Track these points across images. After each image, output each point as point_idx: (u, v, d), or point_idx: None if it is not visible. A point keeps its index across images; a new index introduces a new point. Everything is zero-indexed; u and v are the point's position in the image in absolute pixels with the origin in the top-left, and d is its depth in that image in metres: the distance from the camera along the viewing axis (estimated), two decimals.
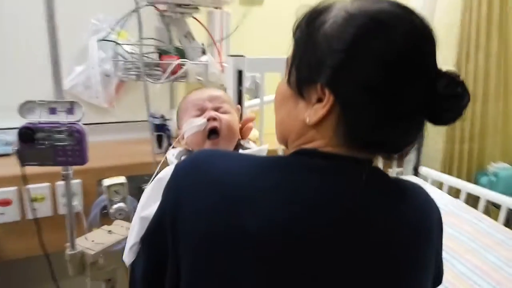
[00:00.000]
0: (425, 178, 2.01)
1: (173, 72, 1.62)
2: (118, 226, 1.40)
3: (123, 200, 1.48)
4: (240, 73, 1.45)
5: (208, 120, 0.87)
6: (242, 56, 1.45)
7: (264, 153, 0.89)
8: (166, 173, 0.73)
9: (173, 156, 0.88)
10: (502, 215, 1.61)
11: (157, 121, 1.75)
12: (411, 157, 2.01)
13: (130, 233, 0.74)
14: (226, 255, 0.53)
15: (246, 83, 2.00)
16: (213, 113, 0.88)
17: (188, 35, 1.77)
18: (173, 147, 0.91)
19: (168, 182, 0.61)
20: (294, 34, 0.62)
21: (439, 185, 1.92)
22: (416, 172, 2.06)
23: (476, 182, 2.05)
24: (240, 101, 1.48)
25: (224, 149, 0.86)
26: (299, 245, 0.54)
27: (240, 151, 0.89)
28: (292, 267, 0.53)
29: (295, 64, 0.61)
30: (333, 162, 0.59)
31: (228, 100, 0.93)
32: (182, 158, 0.86)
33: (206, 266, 0.54)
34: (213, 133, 0.87)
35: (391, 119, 0.57)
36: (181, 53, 1.74)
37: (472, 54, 2.02)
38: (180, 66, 1.64)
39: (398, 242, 0.60)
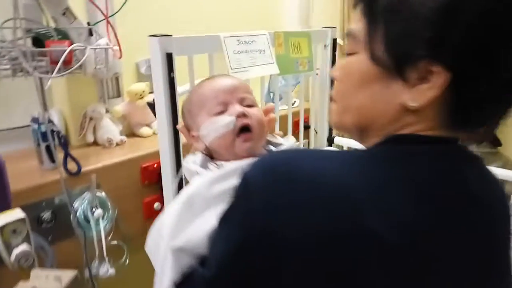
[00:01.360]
0: None
1: (66, 62, 1.24)
2: (41, 279, 1.03)
3: (26, 239, 1.12)
4: (170, 57, 1.19)
5: (237, 117, 0.71)
6: (169, 35, 1.19)
7: (294, 146, 0.78)
8: (197, 188, 0.61)
9: (196, 164, 0.71)
10: None
11: (43, 128, 1.34)
12: None
13: (159, 275, 0.58)
14: (355, 263, 0.44)
15: (141, 68, 1.71)
16: (242, 109, 0.72)
17: (68, 12, 1.38)
18: (191, 153, 0.76)
19: (241, 204, 0.49)
20: None
21: None
22: None
23: None
24: (173, 90, 1.23)
25: (278, 149, 0.73)
26: (434, 243, 0.47)
27: (271, 147, 0.73)
28: (427, 266, 0.46)
29: (384, 36, 0.51)
30: (444, 147, 0.53)
31: (249, 89, 0.76)
32: (211, 165, 0.70)
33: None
34: (244, 131, 0.71)
35: (500, 91, 0.52)
36: (65, 36, 1.35)
37: None
38: (71, 53, 1.27)
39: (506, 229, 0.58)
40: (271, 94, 1.78)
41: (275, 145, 0.78)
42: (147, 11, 1.71)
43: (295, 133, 1.79)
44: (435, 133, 0.53)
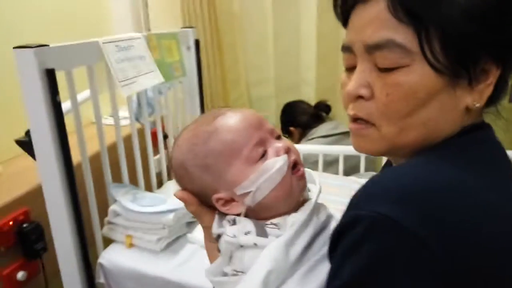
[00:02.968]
0: None
1: None
2: None
3: None
4: (51, 74, 0.86)
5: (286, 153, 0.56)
6: (45, 45, 0.86)
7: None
8: (275, 263, 0.49)
9: (251, 235, 0.53)
10: None
11: None
12: None
13: None
14: None
15: None
16: (282, 143, 0.57)
17: None
18: (232, 221, 0.55)
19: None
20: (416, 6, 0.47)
21: None
22: None
23: None
24: (60, 118, 0.90)
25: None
26: None
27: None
28: None
29: (442, 42, 0.47)
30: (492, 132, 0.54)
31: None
32: (269, 229, 0.53)
33: None
34: (293, 168, 0.56)
35: None
36: None
37: None
38: None
39: None
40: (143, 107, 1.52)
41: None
42: None
43: (154, 144, 1.56)
44: (478, 120, 0.53)
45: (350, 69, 0.53)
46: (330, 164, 1.83)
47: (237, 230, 0.53)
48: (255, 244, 0.51)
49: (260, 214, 0.55)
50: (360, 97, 0.51)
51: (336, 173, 1.73)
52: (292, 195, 0.55)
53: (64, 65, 0.92)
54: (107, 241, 1.19)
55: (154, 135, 1.55)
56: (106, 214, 1.18)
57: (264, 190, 0.53)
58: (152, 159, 1.47)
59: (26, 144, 0.92)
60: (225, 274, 0.55)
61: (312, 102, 2.14)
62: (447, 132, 0.51)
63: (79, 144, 1.05)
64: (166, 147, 1.67)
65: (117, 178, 1.25)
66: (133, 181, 1.33)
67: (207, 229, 0.60)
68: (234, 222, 0.55)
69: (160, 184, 1.54)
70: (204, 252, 1.21)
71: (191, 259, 1.11)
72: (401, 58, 0.47)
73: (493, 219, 0.45)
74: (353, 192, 0.48)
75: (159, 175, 1.60)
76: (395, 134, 0.51)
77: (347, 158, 1.73)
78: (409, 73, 0.48)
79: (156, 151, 1.55)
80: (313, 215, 0.55)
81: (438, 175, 0.45)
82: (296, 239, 0.51)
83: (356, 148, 0.55)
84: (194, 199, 0.59)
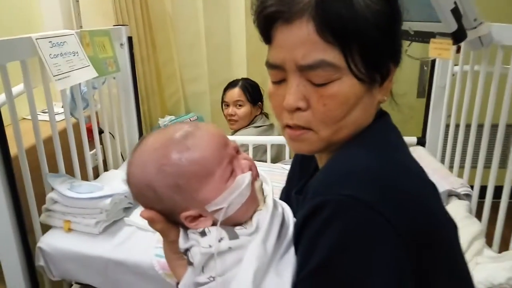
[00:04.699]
0: None
1: None
2: None
3: None
4: None
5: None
6: None
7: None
8: (258, 261, 0.52)
9: (225, 240, 0.55)
10: None
11: None
12: None
13: None
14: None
15: None
16: (247, 161, 0.61)
17: None
18: (201, 233, 0.56)
19: (375, 244, 0.47)
20: (335, 19, 0.53)
21: None
22: None
23: None
24: None
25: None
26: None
27: None
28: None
29: (362, 57, 0.55)
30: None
31: None
32: (239, 231, 0.56)
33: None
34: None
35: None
36: None
37: None
38: None
39: None
40: (74, 101, 1.56)
41: None
42: None
43: (90, 140, 1.60)
44: None
45: (279, 82, 0.58)
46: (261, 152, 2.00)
47: (210, 240, 0.54)
48: (230, 248, 0.54)
49: (227, 223, 0.57)
50: (298, 108, 0.56)
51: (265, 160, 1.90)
52: (256, 203, 0.59)
53: (11, 58, 0.97)
54: (45, 229, 1.24)
55: (89, 131, 1.60)
56: (43, 203, 1.23)
57: (235, 205, 0.56)
58: (89, 153, 1.52)
59: None
60: (199, 284, 0.55)
61: None
62: (366, 123, 0.60)
63: (15, 136, 1.09)
64: (101, 142, 1.73)
65: (54, 171, 1.30)
66: (70, 174, 1.38)
67: (172, 244, 0.60)
68: (204, 233, 0.56)
69: (96, 176, 1.60)
70: (142, 233, 1.31)
71: (129, 239, 1.20)
72: (332, 74, 0.54)
73: (426, 188, 0.54)
74: (282, 177, 0.56)
75: (95, 168, 1.65)
76: (331, 135, 0.58)
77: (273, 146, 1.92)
78: (340, 85, 0.55)
79: (92, 146, 1.60)
80: (275, 209, 0.59)
81: (381, 158, 0.54)
82: (268, 234, 0.55)
83: (296, 151, 0.62)
84: (161, 217, 0.59)
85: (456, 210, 1.33)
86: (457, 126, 1.59)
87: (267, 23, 0.56)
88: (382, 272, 0.46)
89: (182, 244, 0.57)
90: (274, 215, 0.58)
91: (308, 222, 0.50)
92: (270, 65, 0.58)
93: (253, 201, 0.59)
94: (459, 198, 1.41)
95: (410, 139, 1.86)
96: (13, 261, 1.08)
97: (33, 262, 1.13)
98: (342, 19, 0.52)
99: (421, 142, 1.86)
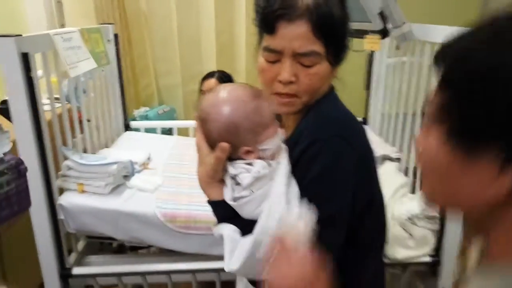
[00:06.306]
0: None
1: None
2: None
3: None
4: (26, 57, 1.17)
5: None
6: (19, 35, 1.17)
7: None
8: (286, 168, 0.79)
9: (262, 168, 0.77)
10: None
11: None
12: None
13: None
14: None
15: None
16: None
17: None
18: (248, 164, 0.78)
19: (347, 166, 0.77)
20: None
21: None
22: None
23: None
24: (32, 91, 1.21)
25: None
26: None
27: None
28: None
29: (335, 47, 0.82)
30: None
31: None
32: (272, 162, 0.79)
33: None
34: None
35: None
36: None
37: None
38: None
39: None
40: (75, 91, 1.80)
41: None
42: None
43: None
44: None
45: (273, 62, 0.80)
46: None
47: (258, 168, 0.76)
48: (267, 172, 0.76)
49: (264, 158, 0.79)
50: (290, 82, 0.79)
51: None
52: (282, 148, 0.83)
53: (36, 50, 1.23)
54: (60, 193, 1.49)
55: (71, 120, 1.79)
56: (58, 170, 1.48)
57: (275, 149, 0.79)
58: (80, 136, 1.74)
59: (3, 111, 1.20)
60: (241, 197, 0.76)
61: None
62: (326, 91, 0.86)
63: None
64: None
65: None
66: None
67: (215, 171, 0.78)
68: (250, 164, 0.77)
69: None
70: (142, 193, 1.58)
71: (133, 197, 1.48)
72: (317, 59, 0.78)
73: (363, 129, 0.85)
74: None
75: (84, 151, 1.88)
76: (309, 100, 0.83)
77: None
78: (320, 67, 0.79)
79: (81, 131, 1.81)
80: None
81: (343, 111, 0.85)
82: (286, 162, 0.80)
83: (284, 113, 0.86)
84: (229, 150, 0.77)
85: (389, 168, 1.71)
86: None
87: (273, 20, 0.77)
88: (348, 176, 0.78)
89: (233, 171, 0.78)
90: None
91: (306, 151, 0.77)
92: (270, 50, 0.79)
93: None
94: (392, 161, 1.80)
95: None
96: (42, 214, 1.33)
97: (56, 215, 1.38)
98: (328, 23, 0.77)
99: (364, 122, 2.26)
